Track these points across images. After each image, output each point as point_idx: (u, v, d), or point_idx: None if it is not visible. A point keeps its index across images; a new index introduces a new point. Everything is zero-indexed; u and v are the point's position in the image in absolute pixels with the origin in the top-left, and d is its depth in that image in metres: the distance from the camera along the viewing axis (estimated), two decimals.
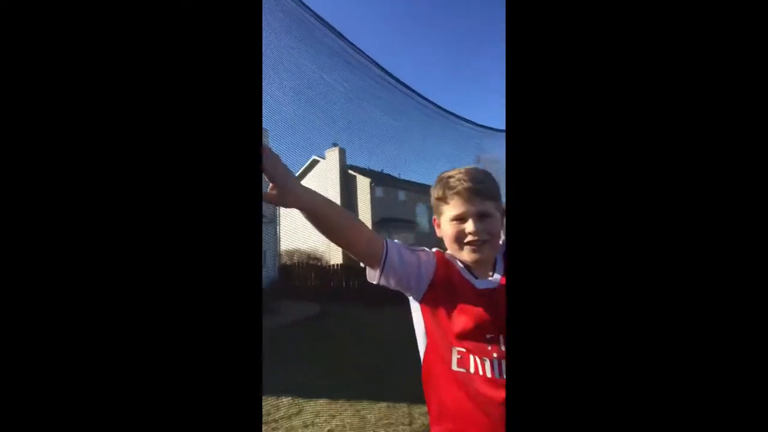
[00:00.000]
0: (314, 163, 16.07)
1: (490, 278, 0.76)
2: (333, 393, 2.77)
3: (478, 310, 0.72)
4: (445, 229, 0.76)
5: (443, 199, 0.76)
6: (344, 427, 2.29)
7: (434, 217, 0.81)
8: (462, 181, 0.74)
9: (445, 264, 0.78)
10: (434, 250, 0.82)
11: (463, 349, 0.72)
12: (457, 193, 0.73)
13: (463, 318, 0.72)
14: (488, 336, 0.71)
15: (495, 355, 0.70)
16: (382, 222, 14.30)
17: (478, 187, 0.73)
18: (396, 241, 0.78)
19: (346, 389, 2.66)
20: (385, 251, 0.73)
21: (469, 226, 0.73)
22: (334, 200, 0.71)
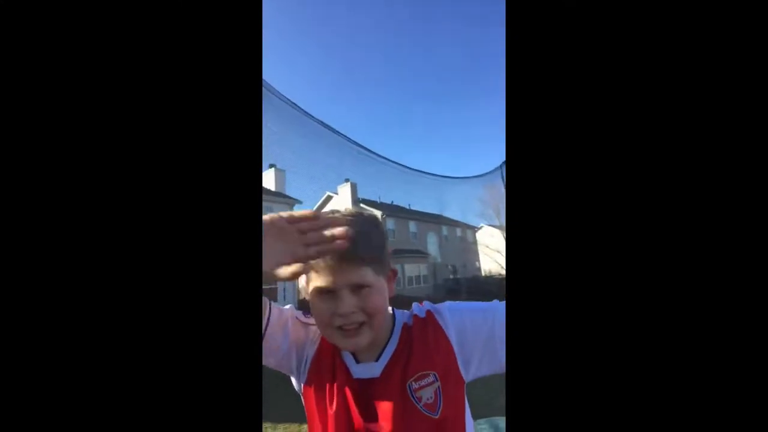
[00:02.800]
0: (328, 198, 16.66)
1: (372, 362, 0.56)
2: None
3: (349, 409, 0.53)
4: (313, 302, 0.54)
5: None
6: None
7: (305, 280, 0.57)
8: (331, 239, 0.47)
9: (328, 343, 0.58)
10: None
11: None
12: (327, 261, 0.51)
13: (331, 417, 0.54)
14: None
15: None
16: (395, 253, 14.55)
17: (351, 247, 0.48)
18: (289, 308, 0.61)
19: None
20: (266, 320, 0.55)
21: (341, 305, 0.51)
22: None
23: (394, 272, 0.59)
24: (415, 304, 0.62)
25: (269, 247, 0.43)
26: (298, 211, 0.45)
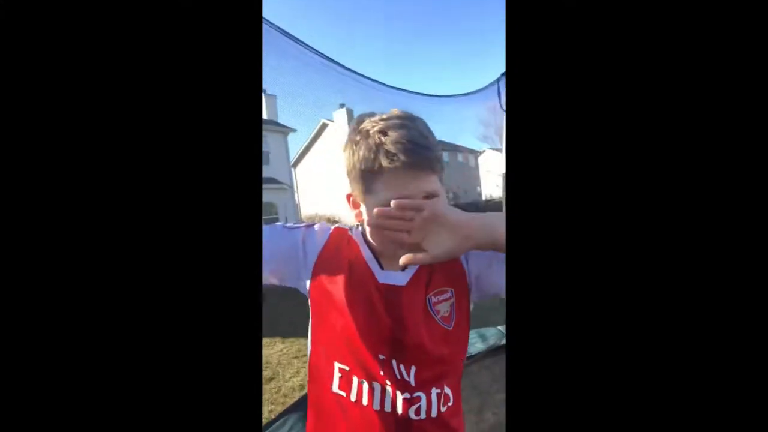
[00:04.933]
0: (324, 126, 16.09)
1: (398, 272, 0.56)
2: None
3: (372, 314, 0.54)
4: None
5: (374, 171, 0.50)
6: None
7: (350, 193, 0.57)
8: (407, 144, 0.48)
9: (341, 243, 0.59)
10: (333, 226, 0.62)
11: (346, 367, 0.54)
12: (403, 165, 0.48)
13: (349, 321, 0.53)
14: (380, 356, 0.53)
15: (388, 381, 0.52)
16: None
17: (428, 153, 0.49)
18: (276, 224, 0.61)
19: None
20: None
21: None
22: None
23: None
24: None
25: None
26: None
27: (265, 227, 0.59)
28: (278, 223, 0.62)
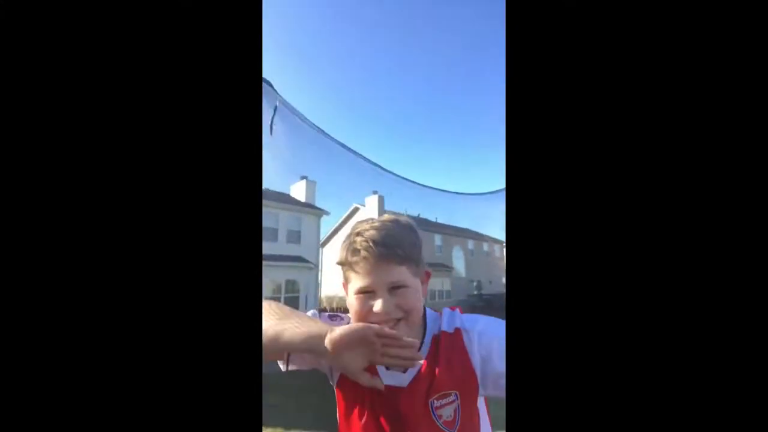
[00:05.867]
0: (355, 210, 16.93)
1: (401, 373, 0.60)
2: None
3: (373, 416, 0.58)
4: (351, 302, 0.61)
5: (348, 265, 0.60)
6: None
7: (343, 281, 0.66)
8: (369, 243, 0.57)
9: None
10: None
11: None
12: (363, 260, 0.58)
13: (359, 423, 0.58)
14: None
15: None
16: None
17: (388, 251, 0.57)
18: (319, 313, 0.67)
19: None
20: None
21: (377, 304, 0.57)
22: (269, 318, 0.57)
23: (428, 274, 0.65)
24: (446, 312, 0.66)
25: (357, 351, 0.52)
26: (386, 330, 0.53)
27: (315, 312, 0.66)
28: (326, 313, 0.67)
